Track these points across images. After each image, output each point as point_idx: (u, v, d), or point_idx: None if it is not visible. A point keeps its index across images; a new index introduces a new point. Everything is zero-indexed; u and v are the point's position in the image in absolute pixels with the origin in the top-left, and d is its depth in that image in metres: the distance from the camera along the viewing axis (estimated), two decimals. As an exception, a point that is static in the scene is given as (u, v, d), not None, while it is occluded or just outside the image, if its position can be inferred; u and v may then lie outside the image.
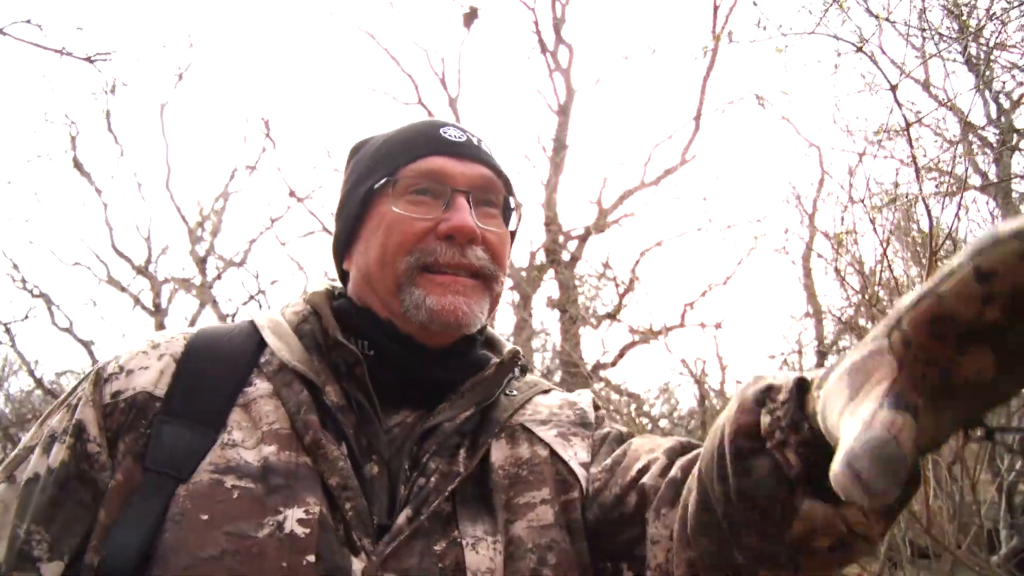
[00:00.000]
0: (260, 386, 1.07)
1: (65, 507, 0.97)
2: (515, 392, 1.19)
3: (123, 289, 13.30)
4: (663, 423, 11.89)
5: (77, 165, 12.77)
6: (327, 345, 1.11)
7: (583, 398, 1.26)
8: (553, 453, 1.13)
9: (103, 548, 0.93)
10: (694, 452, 1.01)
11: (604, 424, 1.22)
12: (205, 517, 0.93)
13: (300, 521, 0.93)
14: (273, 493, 0.95)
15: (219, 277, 13.70)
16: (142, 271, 13.30)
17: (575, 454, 1.14)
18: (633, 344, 10.02)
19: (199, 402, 1.03)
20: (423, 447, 1.07)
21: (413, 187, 1.12)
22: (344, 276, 1.24)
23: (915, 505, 3.15)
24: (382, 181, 1.13)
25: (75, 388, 1.08)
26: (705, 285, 10.63)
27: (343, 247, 1.22)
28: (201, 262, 13.30)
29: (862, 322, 5.97)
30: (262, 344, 1.12)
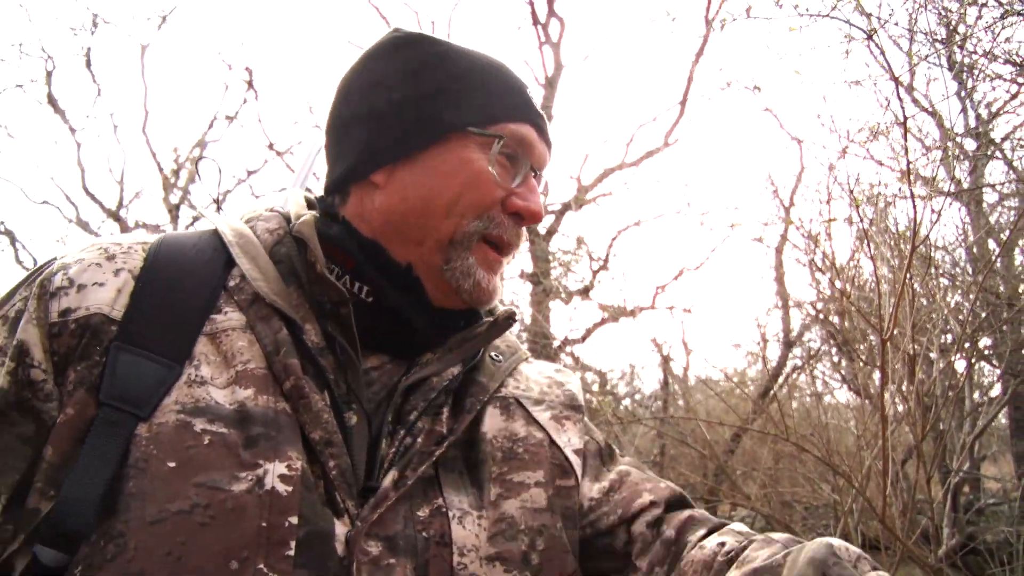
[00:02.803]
0: (231, 316, 0.96)
1: (2, 440, 0.86)
2: (500, 358, 1.14)
3: (92, 232, 13.13)
4: (626, 402, 12.02)
5: (52, 101, 12.51)
6: (309, 278, 1.01)
7: (571, 380, 1.23)
8: (549, 438, 1.10)
9: (49, 490, 0.83)
10: (686, 514, 1.07)
11: (585, 413, 1.20)
12: (172, 464, 0.83)
13: (282, 477, 0.86)
14: (252, 444, 0.87)
15: (191, 226, 13.57)
16: (113, 215, 13.12)
17: (568, 440, 1.12)
18: (603, 322, 10.09)
19: (161, 328, 0.92)
20: (409, 401, 1.01)
21: (506, 149, 1.05)
22: (345, 181, 1.09)
23: (874, 498, 3.24)
24: (485, 131, 1.04)
25: (10, 296, 0.95)
26: (678, 269, 10.71)
27: (381, 157, 1.06)
28: (174, 210, 13.15)
29: (831, 317, 6.08)
30: (230, 263, 1.00)
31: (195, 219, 13.36)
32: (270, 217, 1.08)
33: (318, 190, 1.19)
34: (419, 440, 0.98)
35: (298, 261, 1.02)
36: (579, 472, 1.10)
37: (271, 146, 12.40)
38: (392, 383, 1.02)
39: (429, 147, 1.04)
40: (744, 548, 0.96)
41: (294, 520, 0.84)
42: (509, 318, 1.11)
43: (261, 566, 0.81)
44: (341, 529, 0.88)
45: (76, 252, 0.96)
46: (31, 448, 0.85)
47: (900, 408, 3.54)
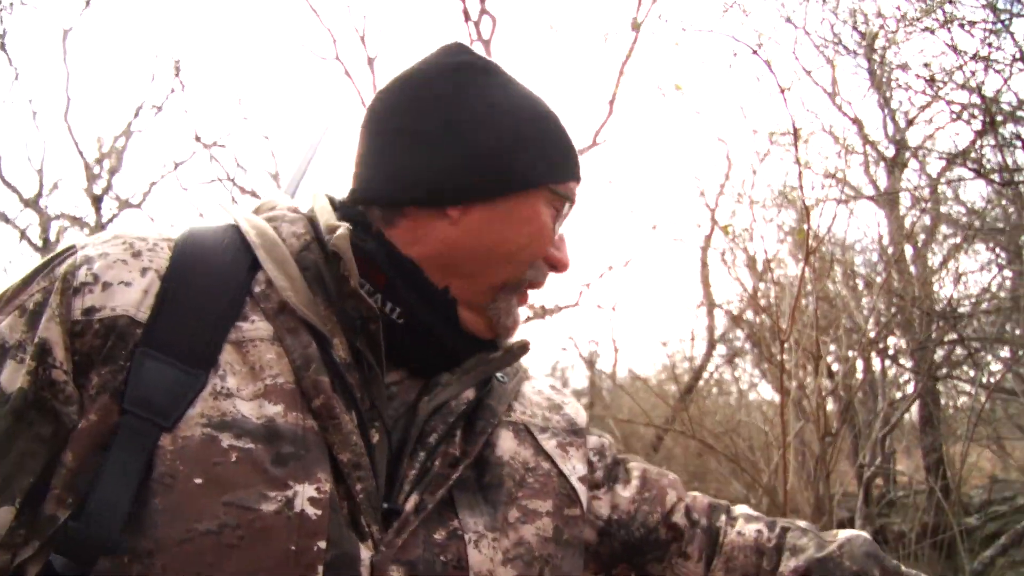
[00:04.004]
0: (258, 325, 0.92)
1: (18, 442, 0.82)
2: (504, 378, 1.13)
3: (8, 221, 12.71)
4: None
5: (-34, 85, 12.07)
6: (339, 291, 0.97)
7: (568, 402, 1.22)
8: (555, 467, 1.10)
9: (68, 497, 0.80)
10: (705, 501, 1.23)
11: (590, 431, 1.23)
12: (199, 481, 0.81)
13: (312, 500, 0.84)
14: (280, 463, 0.85)
15: (115, 218, 13.23)
16: (31, 204, 12.70)
17: (574, 468, 1.12)
18: (528, 320, 10.15)
19: (187, 334, 0.88)
20: (428, 423, 0.99)
21: (558, 207, 1.07)
22: (401, 200, 1.03)
23: (778, 492, 3.33)
24: (558, 190, 1.05)
25: (27, 285, 0.89)
26: (604, 267, 10.84)
27: (463, 194, 1.02)
28: (96, 201, 12.79)
29: (749, 316, 6.22)
30: (255, 265, 0.96)
31: (119, 211, 13.04)
32: (296, 219, 1.03)
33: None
34: (436, 463, 0.97)
35: (327, 272, 0.98)
36: (584, 500, 1.10)
37: (198, 138, 12.16)
38: (410, 400, 1.01)
39: (509, 198, 1.03)
40: (782, 535, 1.16)
41: (323, 544, 0.83)
42: (523, 348, 1.11)
43: None
44: (365, 553, 0.86)
45: (98, 244, 0.92)
46: (47, 449, 0.82)
47: (807, 406, 3.64)
